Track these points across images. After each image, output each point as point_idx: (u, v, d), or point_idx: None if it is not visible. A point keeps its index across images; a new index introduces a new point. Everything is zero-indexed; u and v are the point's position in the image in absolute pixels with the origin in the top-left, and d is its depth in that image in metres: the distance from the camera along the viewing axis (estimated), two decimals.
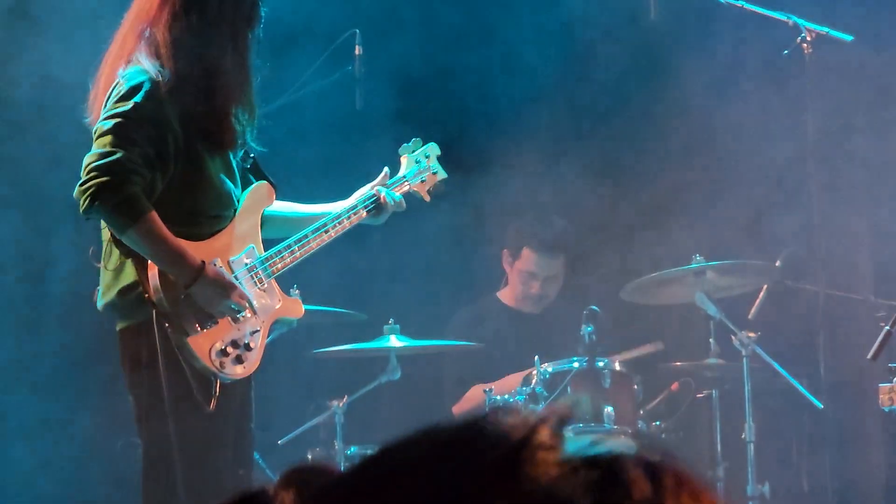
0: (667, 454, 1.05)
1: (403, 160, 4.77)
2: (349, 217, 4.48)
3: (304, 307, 4.35)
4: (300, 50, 6.17)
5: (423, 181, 4.75)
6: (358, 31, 6.10)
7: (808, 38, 5.67)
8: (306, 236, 4.38)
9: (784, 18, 5.78)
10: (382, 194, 4.52)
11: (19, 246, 6.29)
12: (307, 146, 6.56)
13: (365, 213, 4.51)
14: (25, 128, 6.22)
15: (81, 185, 3.95)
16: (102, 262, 4.15)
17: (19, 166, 6.24)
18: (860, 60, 6.37)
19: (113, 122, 3.99)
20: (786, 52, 5.74)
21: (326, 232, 4.42)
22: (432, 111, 6.83)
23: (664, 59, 6.76)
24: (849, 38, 5.72)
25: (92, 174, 3.93)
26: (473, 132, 6.94)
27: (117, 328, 4.15)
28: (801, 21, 5.73)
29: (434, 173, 4.78)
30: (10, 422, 6.39)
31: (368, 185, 4.58)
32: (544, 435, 1.03)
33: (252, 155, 4.37)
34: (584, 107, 6.91)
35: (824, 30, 5.69)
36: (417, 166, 4.75)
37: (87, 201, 3.93)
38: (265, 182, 4.38)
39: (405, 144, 4.79)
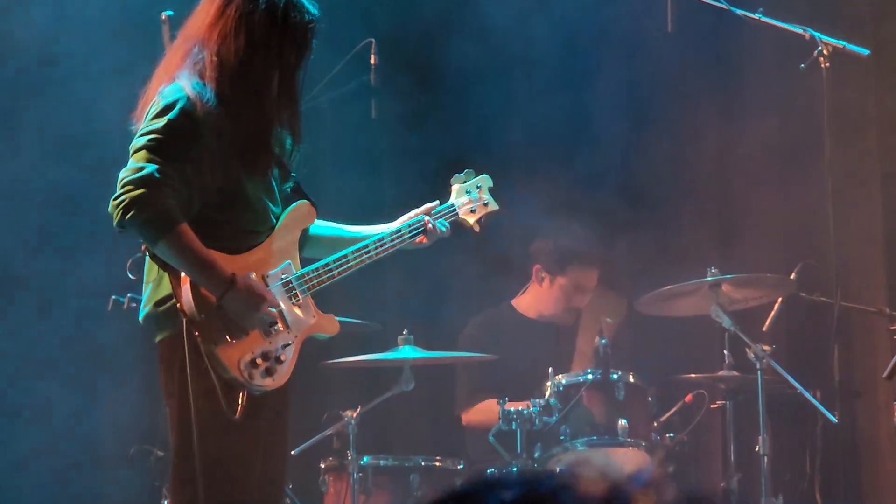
0: None
1: (454, 189, 4.78)
2: (392, 240, 4.49)
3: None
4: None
5: (473, 211, 4.76)
6: (373, 40, 6.09)
7: (825, 52, 5.66)
8: (346, 256, 4.37)
9: (801, 31, 5.77)
10: (427, 220, 4.54)
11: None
12: (322, 158, 6.56)
13: (409, 238, 4.52)
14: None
15: (115, 198, 3.96)
16: (145, 276, 4.18)
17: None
18: (876, 73, 6.37)
19: (147, 138, 4.02)
20: (802, 65, 5.73)
21: (367, 253, 4.42)
22: (451, 121, 6.83)
23: (680, 72, 6.76)
24: (865, 51, 5.71)
25: (126, 188, 3.95)
26: (490, 145, 6.93)
27: (156, 339, 4.16)
28: (817, 34, 5.71)
29: (486, 205, 4.80)
30: (26, 418, 6.40)
31: (415, 211, 4.59)
32: None
33: (294, 177, 4.35)
34: (600, 120, 6.89)
35: (841, 43, 5.68)
36: (467, 196, 4.77)
37: (119, 214, 3.94)
38: (306, 201, 4.36)
39: (457, 175, 4.79)
